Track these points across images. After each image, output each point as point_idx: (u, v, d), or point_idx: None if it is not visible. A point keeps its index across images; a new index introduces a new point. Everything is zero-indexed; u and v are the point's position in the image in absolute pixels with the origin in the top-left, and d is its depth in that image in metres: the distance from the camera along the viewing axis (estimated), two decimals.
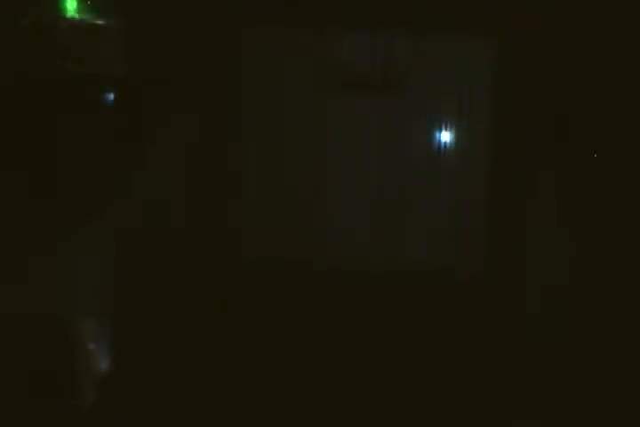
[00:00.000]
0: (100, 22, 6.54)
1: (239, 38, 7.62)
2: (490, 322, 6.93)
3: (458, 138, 7.80)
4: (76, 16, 6.42)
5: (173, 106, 7.13)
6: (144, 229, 6.83)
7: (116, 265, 6.50)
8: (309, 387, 5.40)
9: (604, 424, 4.95)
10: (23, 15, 6.10)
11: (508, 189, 7.48)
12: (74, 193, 6.02)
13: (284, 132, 7.78)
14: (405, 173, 7.81)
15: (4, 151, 5.75)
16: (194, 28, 7.17)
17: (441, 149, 7.82)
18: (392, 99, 7.70)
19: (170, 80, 7.03)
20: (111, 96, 6.70)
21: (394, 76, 7.63)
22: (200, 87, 7.40)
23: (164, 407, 4.96)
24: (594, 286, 6.15)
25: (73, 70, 6.27)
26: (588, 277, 6.28)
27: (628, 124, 6.26)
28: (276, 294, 7.26)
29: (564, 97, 6.82)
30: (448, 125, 7.81)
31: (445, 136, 7.82)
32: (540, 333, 6.45)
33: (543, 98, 7.06)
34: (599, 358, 5.70)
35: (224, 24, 7.45)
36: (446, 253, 7.77)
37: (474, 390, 5.45)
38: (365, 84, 7.63)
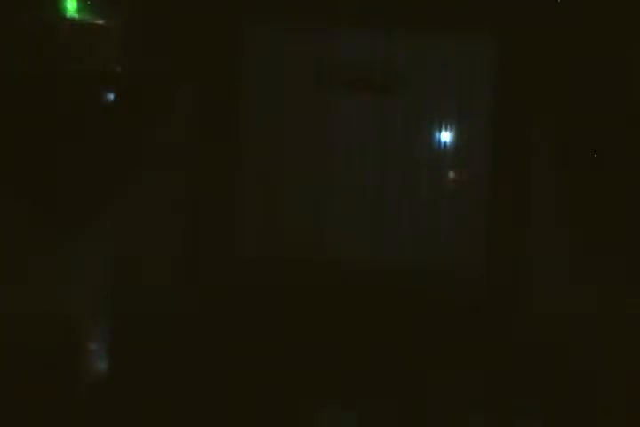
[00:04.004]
0: (99, 22, 6.55)
1: (239, 38, 7.61)
2: (489, 322, 6.93)
3: (458, 138, 7.80)
4: (76, 16, 6.43)
5: (173, 105, 7.14)
6: (144, 229, 6.83)
7: (116, 265, 6.51)
8: (309, 386, 5.40)
9: (603, 424, 4.95)
10: (23, 15, 6.11)
11: (508, 189, 7.47)
12: (74, 192, 6.03)
13: (284, 131, 7.78)
14: (405, 173, 7.81)
15: (3, 151, 5.75)
16: (194, 28, 7.17)
17: (441, 149, 7.82)
18: (392, 99, 7.70)
19: (170, 79, 7.03)
20: (111, 95, 6.71)
21: (394, 76, 7.63)
22: (200, 87, 7.39)
23: (164, 408, 4.96)
24: (593, 286, 6.15)
25: (73, 70, 6.28)
26: (587, 276, 6.28)
27: (628, 123, 6.26)
28: (275, 295, 7.25)
29: (563, 97, 6.82)
30: (448, 125, 7.81)
31: (445, 136, 7.82)
32: (539, 333, 6.45)
33: (543, 98, 7.06)
34: (599, 357, 5.70)
35: (224, 23, 7.45)
36: (446, 254, 7.76)
37: (473, 391, 5.45)
38: (365, 83, 7.63)
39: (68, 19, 6.38)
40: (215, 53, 7.43)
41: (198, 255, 7.42)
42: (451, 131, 7.81)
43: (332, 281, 7.49)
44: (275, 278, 7.52)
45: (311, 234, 7.80)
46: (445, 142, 7.82)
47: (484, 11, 7.23)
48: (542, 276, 7.08)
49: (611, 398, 5.19)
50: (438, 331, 6.61)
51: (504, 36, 7.42)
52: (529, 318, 6.82)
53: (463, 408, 5.17)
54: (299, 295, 7.24)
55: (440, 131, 7.82)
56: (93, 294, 6.27)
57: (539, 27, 7.00)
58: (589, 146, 6.58)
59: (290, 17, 7.50)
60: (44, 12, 6.31)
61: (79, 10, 6.42)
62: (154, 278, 6.75)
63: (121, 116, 6.64)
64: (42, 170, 5.97)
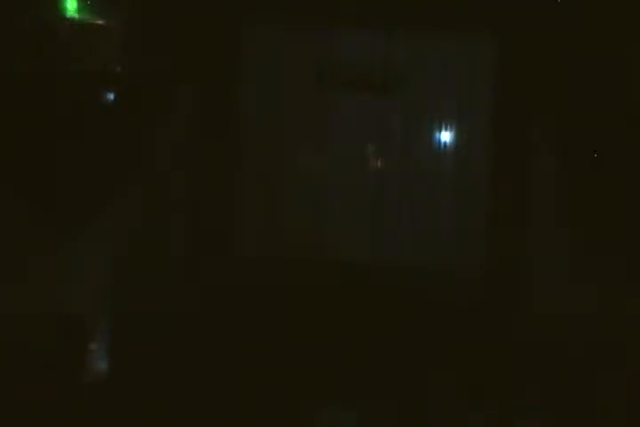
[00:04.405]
0: (99, 22, 6.55)
1: (239, 38, 7.62)
2: (489, 322, 6.93)
3: (458, 138, 7.80)
4: (76, 16, 6.43)
5: (173, 105, 7.14)
6: (144, 229, 6.83)
7: (116, 265, 6.51)
8: (309, 386, 5.40)
9: (603, 424, 4.95)
10: (23, 15, 6.11)
11: (508, 188, 7.47)
12: (74, 192, 6.02)
13: (284, 131, 7.78)
14: (405, 173, 7.81)
15: (3, 151, 5.75)
16: (194, 28, 7.17)
17: (441, 149, 7.82)
18: (392, 99, 7.70)
19: (170, 79, 7.03)
20: (111, 95, 6.71)
21: (394, 76, 7.63)
22: (200, 87, 7.39)
23: (164, 408, 4.96)
24: (593, 286, 6.15)
25: (73, 70, 6.28)
26: (587, 276, 6.28)
27: (628, 123, 6.26)
28: (275, 295, 7.25)
29: (563, 97, 6.82)
30: (448, 125, 7.81)
31: (445, 136, 7.81)
32: (539, 333, 6.45)
33: (543, 98, 7.06)
34: (599, 357, 5.70)
35: (224, 23, 7.45)
36: (446, 254, 7.76)
37: (474, 391, 5.45)
38: (365, 83, 7.63)
39: (67, 19, 6.38)
40: (215, 53, 7.43)
41: (198, 255, 7.42)
42: (451, 131, 7.81)
43: (331, 281, 7.49)
44: (275, 278, 7.52)
45: (311, 234, 7.79)
46: (445, 142, 7.82)
47: (484, 11, 7.23)
48: (542, 276, 7.08)
49: (611, 398, 5.18)
50: (438, 331, 6.61)
51: (504, 36, 7.42)
52: (529, 318, 6.82)
53: (463, 408, 5.17)
54: (298, 295, 7.23)
55: (440, 131, 7.82)
56: (93, 294, 6.26)
57: (539, 27, 6.99)
58: (589, 146, 6.58)
59: (290, 17, 7.50)
60: (44, 12, 6.31)
61: (79, 10, 6.42)
62: (154, 278, 6.75)
63: (121, 116, 6.64)
64: (42, 170, 5.96)
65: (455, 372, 5.76)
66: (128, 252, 6.60)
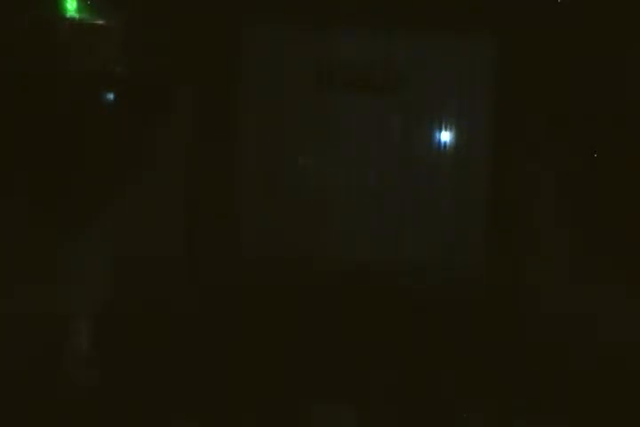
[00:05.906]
0: (99, 22, 6.56)
1: (239, 38, 7.62)
2: (489, 322, 6.93)
3: (458, 138, 7.81)
4: (76, 16, 6.43)
5: (173, 105, 7.14)
6: (144, 229, 6.83)
7: (116, 265, 6.51)
8: (309, 386, 5.40)
9: (603, 424, 4.95)
10: (23, 15, 6.11)
11: (508, 188, 7.48)
12: (74, 192, 6.03)
13: (283, 131, 7.78)
14: (405, 172, 7.81)
15: (3, 151, 5.75)
16: (194, 28, 7.17)
17: (441, 149, 7.83)
18: (392, 99, 7.70)
19: (170, 79, 7.03)
20: (111, 95, 6.71)
21: (394, 76, 7.64)
22: (200, 87, 7.40)
23: (164, 407, 4.96)
24: (593, 286, 6.15)
25: (73, 70, 6.29)
26: (587, 276, 6.28)
27: (627, 123, 6.26)
28: (275, 295, 7.25)
29: (563, 96, 6.82)
30: (448, 125, 7.81)
31: (445, 136, 7.82)
32: (539, 333, 6.45)
33: (543, 97, 7.06)
34: (599, 357, 5.70)
35: (224, 23, 7.45)
36: (446, 254, 7.76)
37: (474, 391, 5.45)
38: (365, 83, 7.64)
39: (67, 19, 6.39)
40: (215, 53, 7.43)
41: (199, 255, 7.42)
42: (451, 131, 7.82)
43: (332, 281, 7.49)
44: (274, 278, 7.52)
45: (311, 234, 7.80)
46: (445, 142, 7.83)
47: (484, 11, 7.24)
48: (542, 276, 7.08)
49: (611, 397, 5.18)
50: (438, 331, 6.61)
51: (504, 36, 7.43)
52: (529, 317, 6.82)
53: (463, 408, 5.17)
54: (298, 295, 7.24)
55: (440, 131, 7.82)
56: (93, 294, 6.27)
57: (539, 27, 7.00)
58: (589, 146, 6.58)
59: (290, 17, 7.51)
60: (44, 11, 6.32)
61: (79, 10, 6.42)
62: (154, 278, 6.75)
63: (121, 116, 6.64)
64: (42, 170, 5.97)
65: (455, 372, 5.76)
66: (128, 252, 6.60)
